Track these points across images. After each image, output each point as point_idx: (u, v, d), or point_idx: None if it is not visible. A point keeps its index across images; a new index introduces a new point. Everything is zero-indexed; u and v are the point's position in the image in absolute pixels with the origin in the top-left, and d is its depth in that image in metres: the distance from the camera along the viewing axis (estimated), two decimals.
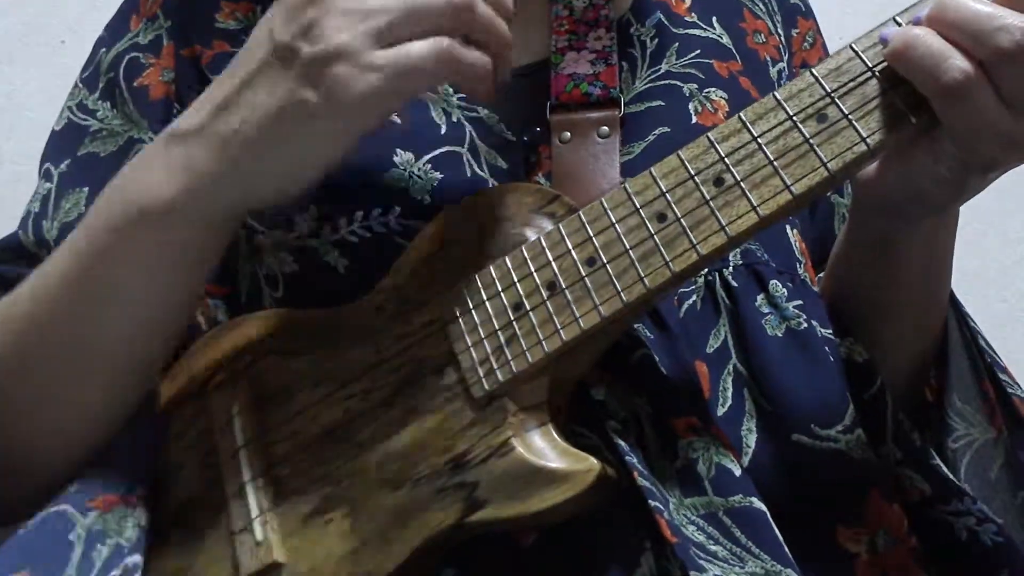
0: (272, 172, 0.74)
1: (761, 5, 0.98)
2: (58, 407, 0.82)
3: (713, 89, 0.89)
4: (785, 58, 0.97)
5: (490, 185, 0.83)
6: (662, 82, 0.89)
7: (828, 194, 0.99)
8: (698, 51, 0.91)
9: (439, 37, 0.71)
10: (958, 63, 0.67)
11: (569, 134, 0.85)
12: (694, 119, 0.87)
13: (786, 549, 0.73)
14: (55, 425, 0.82)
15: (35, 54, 1.59)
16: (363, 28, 0.69)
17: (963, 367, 0.89)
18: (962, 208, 0.82)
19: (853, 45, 0.72)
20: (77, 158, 0.94)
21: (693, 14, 0.94)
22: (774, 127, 0.72)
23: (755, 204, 0.71)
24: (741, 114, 0.73)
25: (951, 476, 0.82)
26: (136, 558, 0.77)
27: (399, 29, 0.70)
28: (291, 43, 0.70)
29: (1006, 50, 0.66)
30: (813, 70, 0.72)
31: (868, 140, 0.70)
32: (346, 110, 0.70)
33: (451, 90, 0.88)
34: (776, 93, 0.72)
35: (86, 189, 0.92)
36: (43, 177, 0.95)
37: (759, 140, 0.72)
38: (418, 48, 0.70)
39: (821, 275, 0.95)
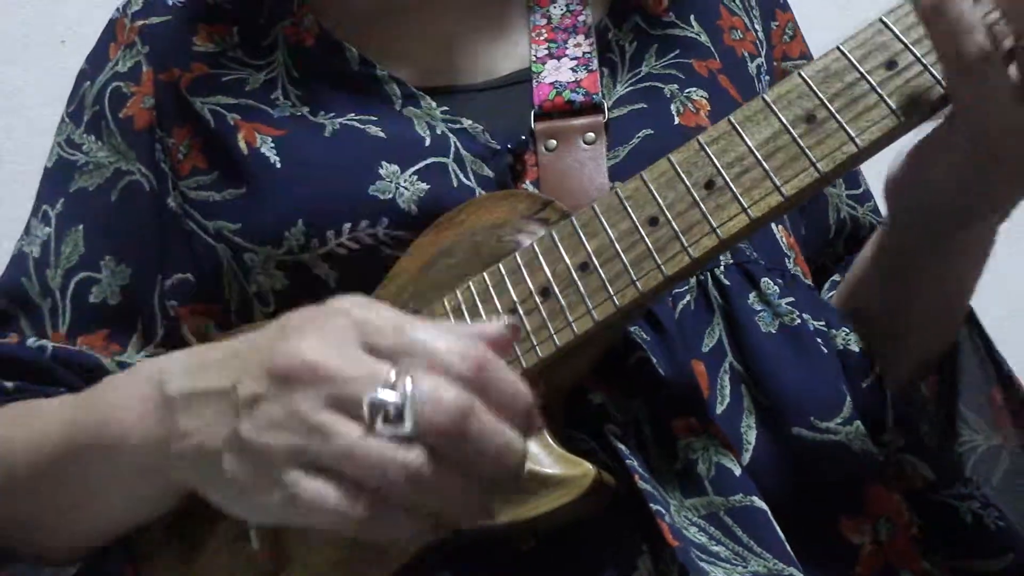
0: (202, 488, 0.71)
1: (737, 1, 0.98)
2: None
3: (694, 89, 0.89)
4: (763, 52, 0.98)
5: (477, 194, 0.84)
6: (643, 84, 0.89)
7: None
8: (677, 51, 0.91)
9: (356, 500, 0.61)
10: (978, 38, 0.66)
11: (555, 142, 0.85)
12: (676, 120, 0.87)
13: (788, 547, 0.73)
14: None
15: (35, 54, 1.59)
16: (293, 444, 0.62)
17: (973, 375, 0.89)
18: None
19: (841, 46, 0.72)
20: (69, 195, 0.95)
21: (671, 13, 0.94)
22: (764, 130, 0.72)
23: (746, 206, 0.71)
24: (730, 117, 0.73)
25: (953, 461, 0.82)
26: None
27: (325, 466, 0.62)
28: (240, 408, 0.65)
29: None
30: (801, 72, 0.72)
31: (857, 140, 0.70)
32: (243, 502, 0.67)
33: (433, 104, 0.88)
34: (765, 95, 0.73)
35: (81, 227, 0.93)
36: (41, 220, 0.95)
37: (749, 143, 0.72)
38: (328, 498, 0.61)
39: (835, 277, 0.95)
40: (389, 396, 0.61)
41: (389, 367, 0.62)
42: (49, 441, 0.80)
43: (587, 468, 0.71)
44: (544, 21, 0.90)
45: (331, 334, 0.64)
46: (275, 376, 0.64)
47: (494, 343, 0.64)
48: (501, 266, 0.77)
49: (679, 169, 0.73)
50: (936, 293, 0.85)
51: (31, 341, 0.91)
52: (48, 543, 0.83)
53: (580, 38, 0.89)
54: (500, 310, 0.76)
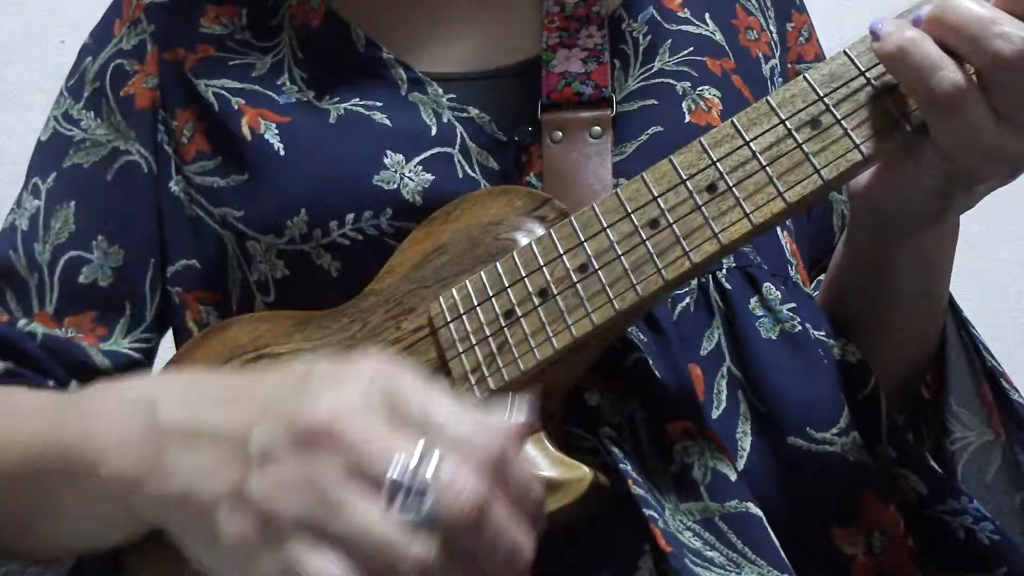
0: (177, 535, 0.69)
1: (753, 1, 0.97)
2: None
3: (706, 87, 0.88)
4: (777, 54, 0.97)
5: (481, 186, 0.83)
6: (655, 80, 0.88)
7: None
8: (691, 48, 0.90)
9: None
10: (950, 75, 0.67)
11: (560, 134, 0.84)
12: (687, 118, 0.86)
13: (783, 554, 0.73)
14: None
15: (35, 54, 1.59)
16: (301, 510, 0.59)
17: (961, 370, 0.89)
18: None
19: (847, 50, 0.71)
20: (63, 171, 0.94)
21: (686, 10, 0.93)
22: (767, 134, 0.71)
23: (748, 212, 0.71)
24: (734, 119, 0.72)
25: (945, 476, 0.82)
26: None
27: (334, 537, 0.58)
28: (249, 462, 0.61)
29: (1004, 58, 0.66)
30: (807, 75, 0.71)
31: (862, 148, 0.69)
32: (232, 560, 0.62)
33: (440, 91, 0.87)
34: (770, 98, 0.72)
35: (72, 204, 0.93)
36: (31, 192, 0.95)
37: (752, 147, 0.71)
38: (327, 568, 0.58)
39: (821, 277, 0.95)
40: (411, 477, 0.58)
41: (414, 445, 0.59)
42: (19, 446, 0.76)
43: (584, 471, 0.71)
44: (557, 9, 0.89)
45: (357, 397, 0.61)
46: (294, 435, 0.60)
47: (516, 432, 0.62)
48: (498, 265, 0.76)
49: (681, 171, 0.73)
50: (912, 283, 0.85)
51: (22, 323, 0.90)
52: (15, 545, 0.81)
53: (593, 29, 0.88)
54: (497, 311, 0.75)
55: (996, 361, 0.90)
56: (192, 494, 0.64)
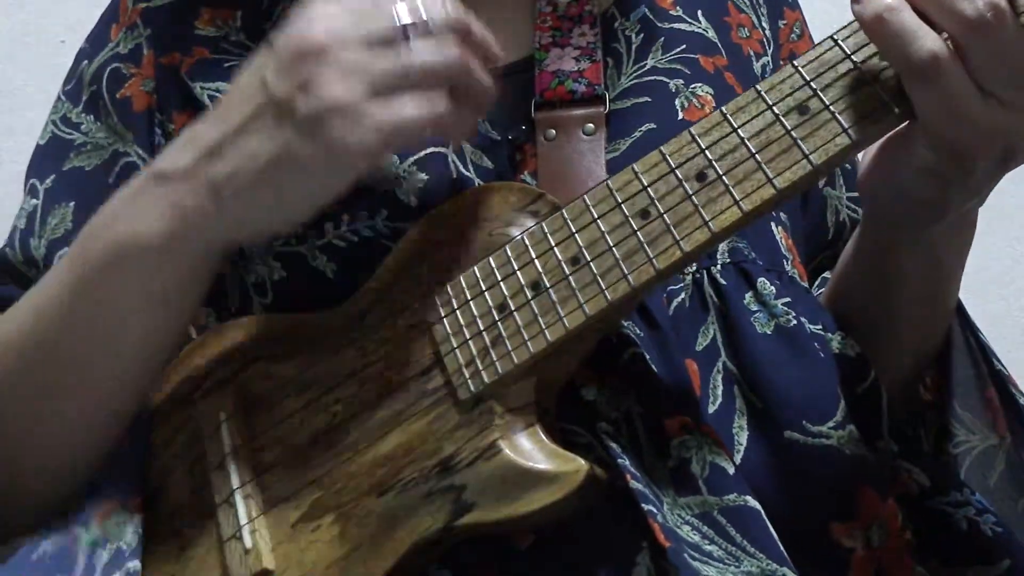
0: (264, 215, 0.75)
1: None
2: (47, 431, 0.83)
3: (699, 84, 0.88)
4: (770, 51, 0.97)
5: (476, 185, 0.83)
6: (648, 78, 0.88)
7: (820, 187, 0.98)
8: (684, 46, 0.90)
9: (434, 98, 0.71)
10: (928, 43, 0.66)
11: (554, 132, 0.84)
12: (680, 115, 0.86)
13: (781, 547, 0.73)
14: (44, 447, 0.83)
15: (35, 54, 1.59)
16: (360, 83, 0.70)
17: (966, 374, 0.88)
18: None
19: (834, 36, 0.71)
20: (62, 173, 0.94)
21: (678, 7, 0.93)
22: (756, 121, 0.71)
23: (738, 199, 0.70)
24: (723, 108, 0.72)
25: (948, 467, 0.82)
26: (136, 563, 0.77)
27: (396, 86, 0.71)
28: (287, 98, 0.71)
29: (968, 20, 0.65)
30: (794, 62, 0.71)
31: (850, 132, 0.69)
32: (341, 163, 0.71)
33: None
34: (758, 86, 0.72)
35: (72, 204, 0.93)
36: (29, 193, 0.95)
37: (741, 134, 0.71)
38: (413, 107, 0.71)
39: (827, 274, 0.94)
40: (412, 15, 0.72)
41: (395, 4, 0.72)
42: (47, 292, 0.81)
43: (579, 464, 0.71)
44: (550, 8, 0.89)
45: (328, 8, 0.72)
46: (303, 53, 0.70)
47: None
48: (491, 259, 0.76)
49: (670, 161, 0.72)
50: (918, 286, 0.84)
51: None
52: (42, 449, 0.83)
53: (585, 27, 0.88)
54: (491, 305, 0.75)
55: (1003, 366, 0.89)
56: (259, 166, 0.72)
